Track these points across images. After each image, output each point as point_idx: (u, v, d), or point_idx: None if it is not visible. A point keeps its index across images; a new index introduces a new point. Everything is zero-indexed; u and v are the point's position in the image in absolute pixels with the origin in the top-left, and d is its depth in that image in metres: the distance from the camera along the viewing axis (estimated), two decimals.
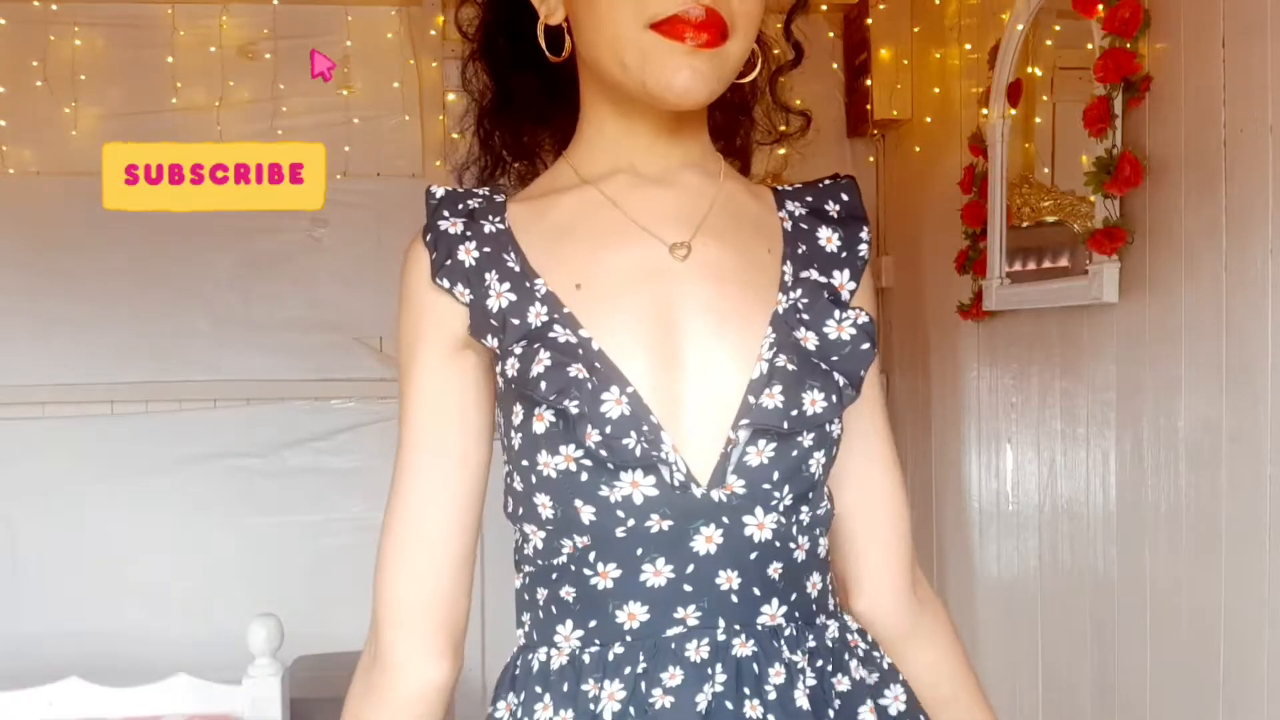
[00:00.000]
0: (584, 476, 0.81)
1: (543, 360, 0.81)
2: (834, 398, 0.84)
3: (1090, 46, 1.91)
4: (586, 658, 0.84)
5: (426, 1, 3.13)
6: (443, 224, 0.88)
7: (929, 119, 2.85)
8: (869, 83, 2.94)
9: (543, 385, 0.80)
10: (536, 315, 0.84)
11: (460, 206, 0.90)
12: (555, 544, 0.85)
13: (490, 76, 0.98)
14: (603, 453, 0.80)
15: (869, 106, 2.96)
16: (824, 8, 3.09)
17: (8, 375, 3.18)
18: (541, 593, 0.87)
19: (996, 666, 2.43)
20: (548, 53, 0.90)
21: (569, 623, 0.85)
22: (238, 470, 3.24)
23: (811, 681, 0.84)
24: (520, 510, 0.87)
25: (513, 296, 0.85)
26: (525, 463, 0.84)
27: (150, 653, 2.77)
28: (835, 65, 3.17)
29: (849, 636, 0.91)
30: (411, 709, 0.86)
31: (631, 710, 0.81)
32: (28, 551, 3.16)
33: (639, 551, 0.82)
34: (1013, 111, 2.27)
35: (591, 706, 0.82)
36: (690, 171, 0.92)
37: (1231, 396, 1.64)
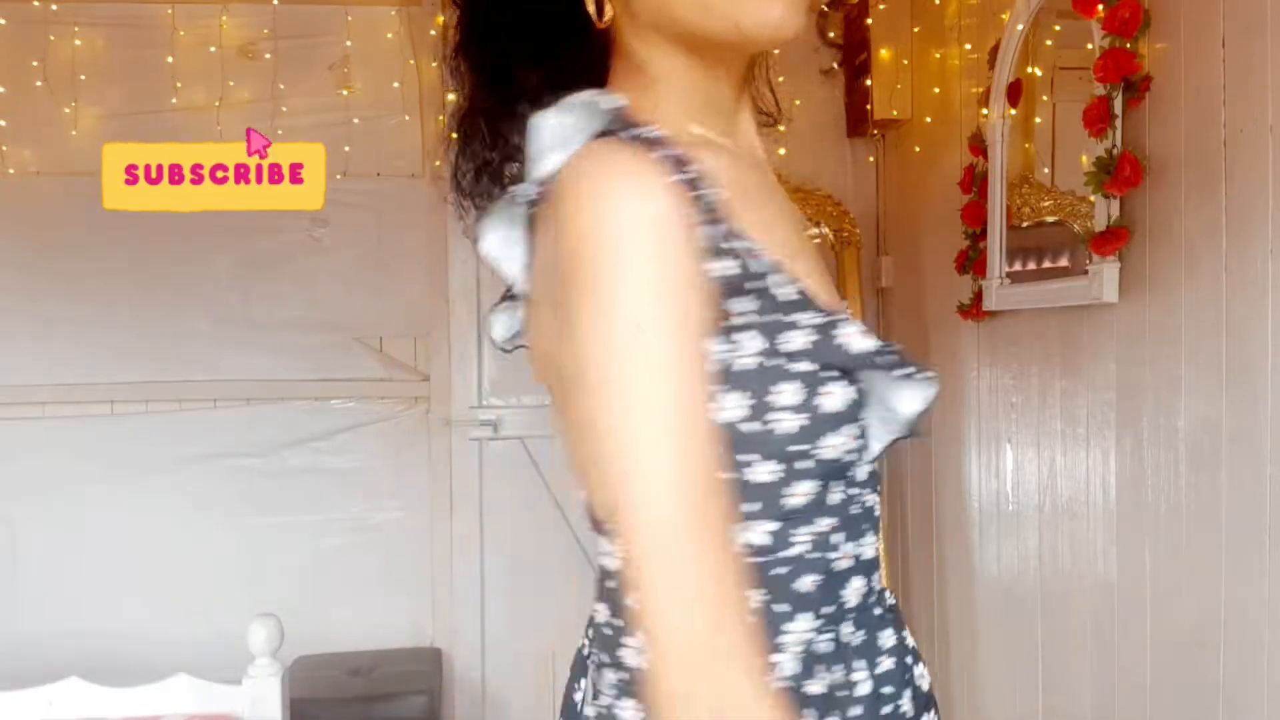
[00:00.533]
0: (856, 455, 0.78)
1: (851, 333, 0.73)
2: None
3: (1090, 46, 1.91)
4: (821, 648, 0.79)
5: (426, 1, 3.13)
6: (666, 150, 0.71)
7: (929, 119, 2.85)
8: (869, 83, 2.93)
9: (877, 359, 0.73)
10: (789, 284, 0.74)
11: (643, 133, 0.73)
12: (789, 535, 0.76)
13: (482, 76, 0.88)
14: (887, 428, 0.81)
15: (869, 106, 2.95)
16: (824, 7, 3.09)
17: (8, 375, 3.19)
18: (751, 595, 0.74)
19: (996, 666, 2.43)
20: (595, 18, 0.81)
21: (804, 617, 0.77)
22: (238, 470, 3.25)
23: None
24: (739, 506, 0.73)
25: (759, 258, 0.73)
26: (796, 448, 0.73)
27: (150, 653, 2.77)
28: (835, 65, 3.17)
29: None
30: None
31: (873, 683, 0.81)
32: (28, 551, 3.17)
33: (864, 526, 0.82)
34: (1013, 111, 2.27)
35: (839, 693, 0.79)
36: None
37: (1231, 396, 1.64)
